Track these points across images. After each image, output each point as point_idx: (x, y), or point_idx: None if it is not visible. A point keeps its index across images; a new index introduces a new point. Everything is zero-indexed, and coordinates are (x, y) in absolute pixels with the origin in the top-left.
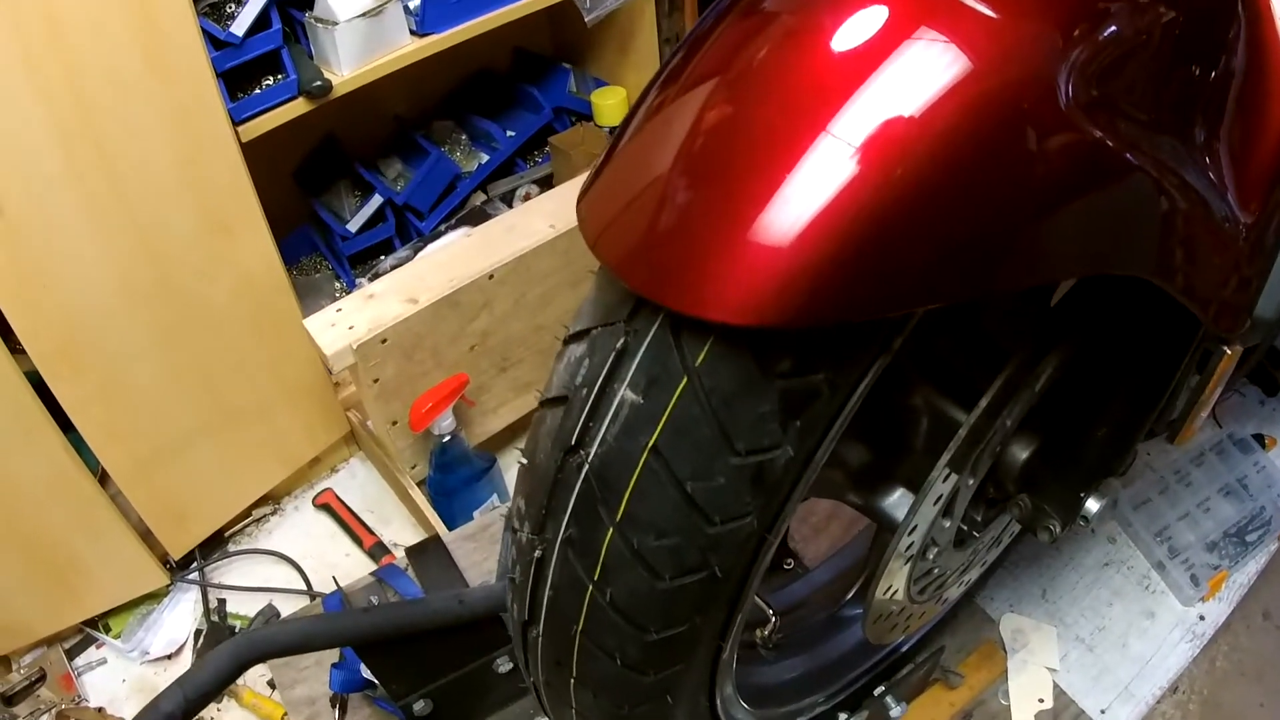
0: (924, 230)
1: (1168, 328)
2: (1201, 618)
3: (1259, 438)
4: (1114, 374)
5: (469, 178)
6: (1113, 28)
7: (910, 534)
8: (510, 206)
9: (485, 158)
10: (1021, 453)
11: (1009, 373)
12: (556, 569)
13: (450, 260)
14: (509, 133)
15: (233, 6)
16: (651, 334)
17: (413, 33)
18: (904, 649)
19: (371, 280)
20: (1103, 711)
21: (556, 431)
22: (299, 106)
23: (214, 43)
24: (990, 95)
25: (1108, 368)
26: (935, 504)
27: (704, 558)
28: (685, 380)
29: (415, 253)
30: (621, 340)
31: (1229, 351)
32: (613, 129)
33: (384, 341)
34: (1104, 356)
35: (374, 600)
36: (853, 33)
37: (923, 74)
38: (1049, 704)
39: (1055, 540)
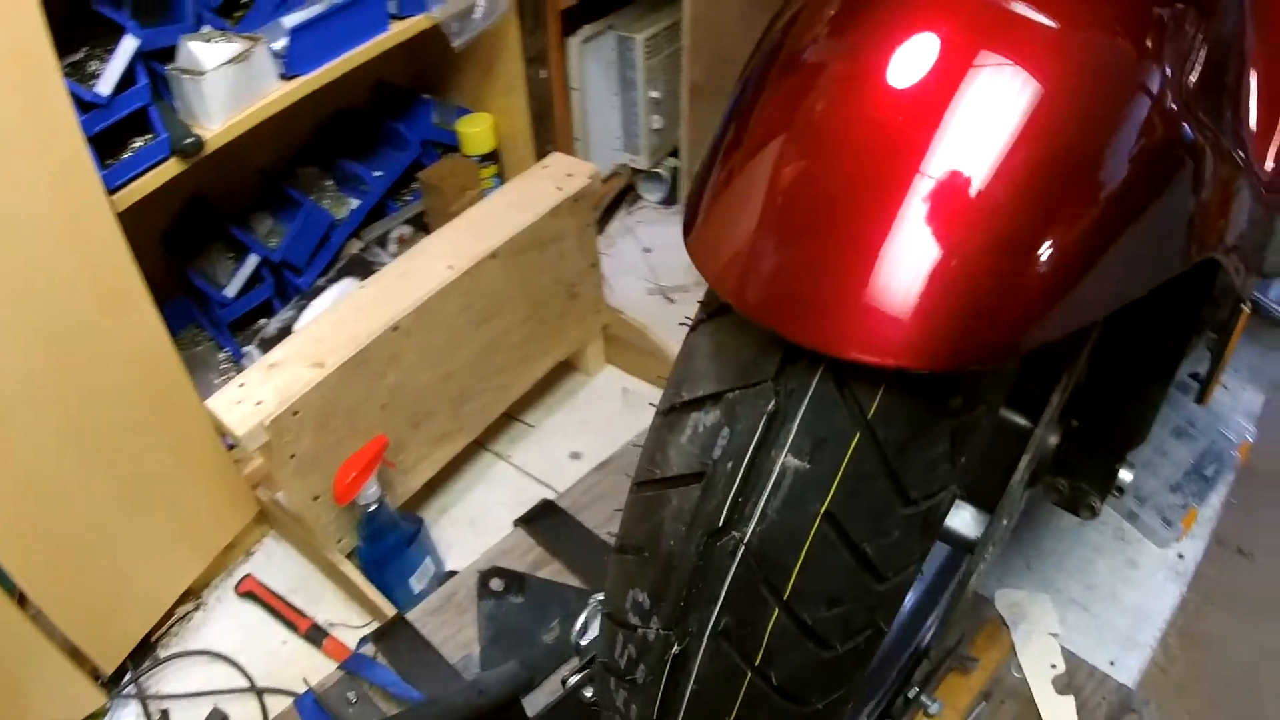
0: (1069, 248)
1: (1178, 295)
2: (1180, 556)
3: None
4: (1135, 348)
5: (343, 225)
6: (1163, 24)
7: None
8: (386, 250)
9: (356, 202)
10: (1055, 439)
11: (1068, 375)
12: (705, 662)
13: (349, 316)
14: (376, 173)
15: (96, 64)
16: (812, 390)
17: (281, 76)
18: (921, 646)
19: (260, 347)
20: (1112, 663)
21: (693, 514)
22: (172, 168)
23: (80, 105)
24: (1068, 110)
25: (1129, 344)
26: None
27: (871, 616)
28: (858, 436)
29: (299, 311)
30: (772, 402)
31: (1245, 309)
32: (481, 157)
33: (296, 413)
34: (1124, 334)
35: (351, 696)
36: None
37: (994, 105)
38: (1061, 668)
39: (1096, 515)
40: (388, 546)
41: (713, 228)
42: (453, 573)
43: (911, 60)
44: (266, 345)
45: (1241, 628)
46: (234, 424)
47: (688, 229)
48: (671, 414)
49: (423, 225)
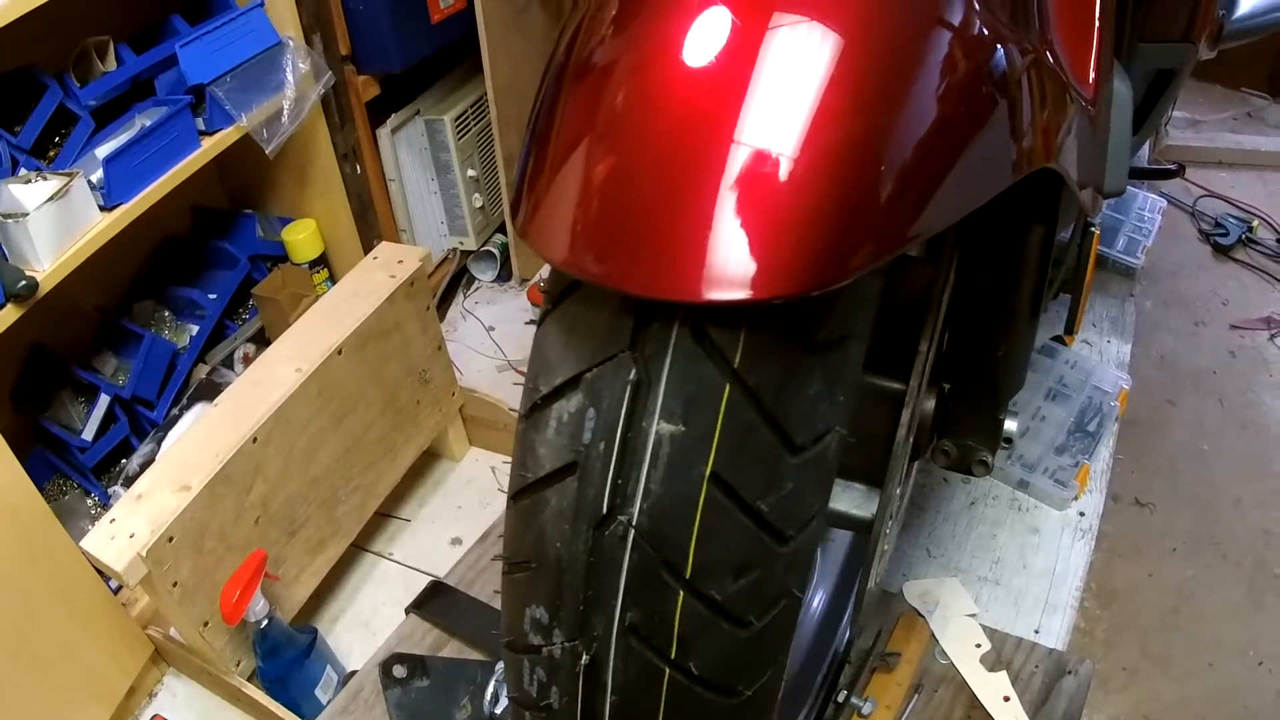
0: (910, 163)
1: (1027, 226)
2: (1081, 514)
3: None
4: (997, 290)
5: (186, 353)
6: None
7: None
8: (233, 370)
9: (194, 328)
10: (930, 402)
11: (930, 329)
12: (619, 668)
13: (208, 435)
14: (210, 296)
15: None
16: (672, 349)
17: (101, 208)
18: (839, 650)
19: (125, 486)
20: (1036, 631)
21: (575, 508)
22: (9, 314)
23: None
24: (875, 51)
25: (991, 287)
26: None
27: (782, 582)
28: (729, 387)
29: (158, 444)
30: (633, 370)
31: (1095, 230)
32: (311, 264)
33: (171, 540)
34: (984, 278)
35: None
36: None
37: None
38: (986, 645)
39: (990, 471)
40: (287, 661)
41: (546, 209)
42: (354, 673)
43: (717, 21)
44: (132, 484)
45: (1153, 575)
46: (111, 560)
47: (524, 222)
48: (533, 413)
49: (264, 341)
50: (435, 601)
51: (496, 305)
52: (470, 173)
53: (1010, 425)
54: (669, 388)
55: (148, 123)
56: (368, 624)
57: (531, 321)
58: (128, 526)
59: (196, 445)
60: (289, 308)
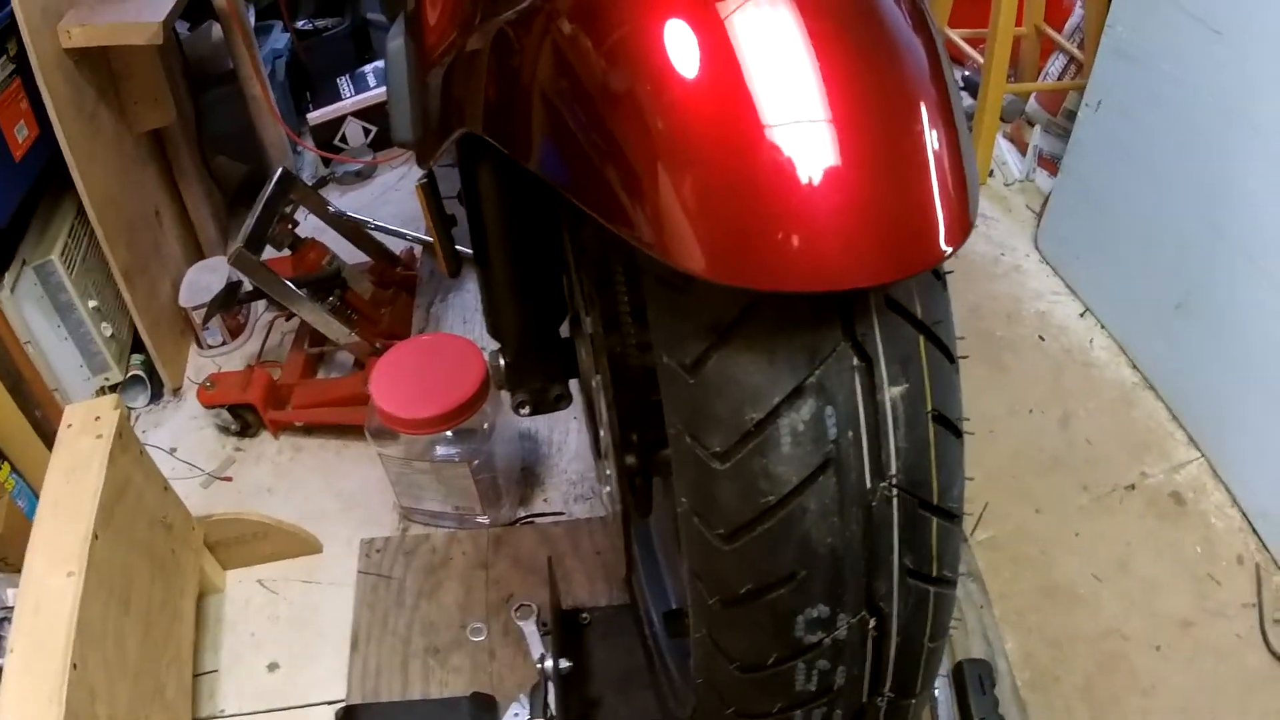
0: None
1: None
2: None
3: None
4: None
5: None
6: None
7: None
8: None
9: None
10: None
11: None
12: (900, 610)
13: (27, 684)
14: None
15: None
16: (877, 323)
17: None
18: None
19: None
20: None
21: (839, 501)
22: None
23: None
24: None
25: None
26: None
27: (964, 471)
28: (921, 337)
29: None
30: (853, 357)
31: None
32: None
33: None
34: None
35: None
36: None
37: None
38: None
39: None
40: None
41: (733, 240)
42: None
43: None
44: None
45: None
46: None
47: (706, 262)
48: (746, 440)
49: None
50: None
51: (164, 425)
52: (91, 303)
53: None
54: (887, 357)
55: None
56: None
57: (222, 428)
58: None
59: (23, 699)
60: None
